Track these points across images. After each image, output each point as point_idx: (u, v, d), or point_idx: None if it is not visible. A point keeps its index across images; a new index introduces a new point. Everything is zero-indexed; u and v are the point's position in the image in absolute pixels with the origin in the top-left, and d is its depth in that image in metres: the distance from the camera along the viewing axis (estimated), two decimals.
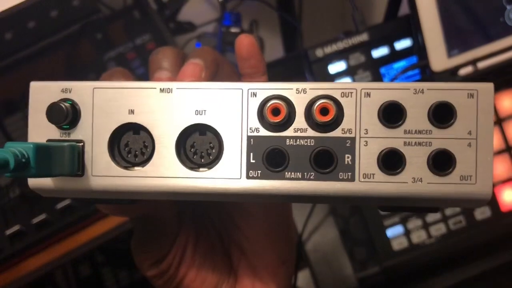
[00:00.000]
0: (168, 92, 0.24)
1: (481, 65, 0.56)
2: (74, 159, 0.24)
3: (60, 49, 0.60)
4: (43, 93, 0.25)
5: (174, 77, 0.28)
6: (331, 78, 0.63)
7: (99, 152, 0.24)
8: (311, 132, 0.23)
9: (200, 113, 0.24)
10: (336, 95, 0.23)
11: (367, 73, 0.63)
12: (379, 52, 0.63)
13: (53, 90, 0.25)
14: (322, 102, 0.23)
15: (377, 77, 0.63)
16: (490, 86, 0.23)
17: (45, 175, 0.23)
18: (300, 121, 0.24)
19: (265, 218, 0.33)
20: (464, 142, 0.23)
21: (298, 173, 0.23)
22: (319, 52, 0.63)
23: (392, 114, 0.23)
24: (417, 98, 0.23)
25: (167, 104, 0.24)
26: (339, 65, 0.64)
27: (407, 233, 0.60)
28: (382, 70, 0.64)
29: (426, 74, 0.58)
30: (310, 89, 0.24)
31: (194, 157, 0.25)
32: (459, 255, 0.61)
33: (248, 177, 0.24)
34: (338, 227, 0.64)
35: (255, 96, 0.24)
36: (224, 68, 0.30)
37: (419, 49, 0.58)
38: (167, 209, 0.32)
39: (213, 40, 0.71)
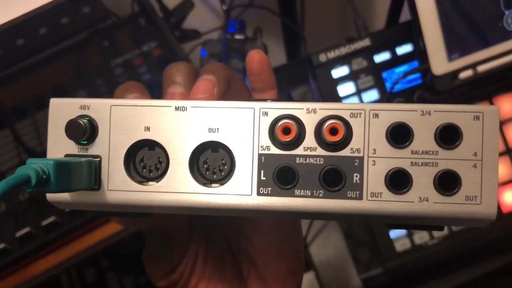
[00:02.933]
0: (183, 110, 0.25)
1: (481, 68, 0.57)
2: (91, 174, 0.25)
3: (69, 55, 0.61)
4: (62, 109, 0.25)
5: (187, 92, 0.29)
6: (334, 82, 0.64)
7: (115, 167, 0.25)
8: (320, 151, 0.24)
9: (213, 130, 0.25)
10: (345, 115, 0.24)
11: (369, 78, 0.65)
12: (381, 57, 0.64)
13: (72, 107, 0.25)
14: (332, 123, 0.24)
15: (379, 81, 0.64)
16: (495, 109, 0.23)
17: (65, 191, 0.23)
18: (310, 140, 0.24)
19: (274, 230, 0.34)
20: (470, 163, 0.23)
21: (307, 191, 0.24)
22: (323, 57, 0.64)
23: (399, 134, 0.24)
24: (424, 119, 0.24)
25: (181, 121, 0.25)
26: (342, 69, 0.65)
27: (409, 234, 0.61)
28: (384, 74, 0.65)
29: (427, 78, 0.59)
30: (320, 109, 0.24)
31: (207, 173, 0.25)
32: (461, 256, 0.62)
33: (258, 193, 0.24)
34: (341, 229, 0.65)
35: (267, 115, 0.25)
36: (235, 83, 0.30)
37: (420, 54, 0.60)
38: (178, 221, 0.32)
39: (218, 47, 0.72)
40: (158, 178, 0.25)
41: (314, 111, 0.24)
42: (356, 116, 0.24)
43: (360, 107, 0.24)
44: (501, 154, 0.60)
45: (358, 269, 0.63)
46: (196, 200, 0.25)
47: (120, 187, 0.25)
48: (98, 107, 0.25)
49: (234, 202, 0.25)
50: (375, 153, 0.24)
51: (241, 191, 0.24)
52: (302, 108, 0.24)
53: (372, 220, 0.25)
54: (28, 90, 0.59)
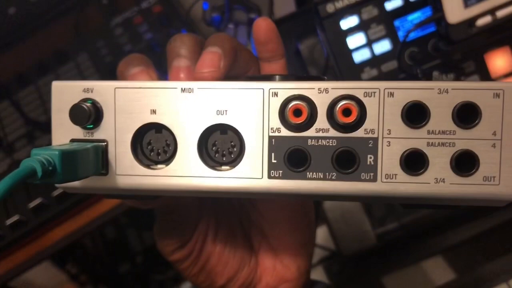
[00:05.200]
0: (189, 92, 0.24)
1: (501, 13, 0.53)
2: (98, 159, 0.24)
3: (67, 18, 0.59)
4: (65, 93, 0.25)
5: (193, 65, 0.28)
6: (344, 34, 0.62)
7: (122, 151, 0.25)
8: (333, 132, 0.23)
9: (222, 113, 0.24)
10: (359, 95, 0.23)
11: (380, 27, 0.62)
12: (393, 4, 0.61)
13: (75, 90, 0.25)
14: (345, 103, 0.23)
15: (391, 31, 0.61)
16: None
17: (72, 180, 0.23)
18: (322, 121, 0.23)
19: (286, 203, 0.33)
20: (489, 143, 0.22)
21: (319, 173, 0.23)
22: (330, 7, 0.61)
23: (415, 114, 0.23)
24: (441, 98, 0.23)
25: (188, 104, 0.24)
26: (351, 20, 0.62)
27: None
28: (396, 23, 0.62)
29: (442, 26, 0.57)
30: (332, 88, 0.23)
31: (216, 155, 0.25)
32: (477, 208, 0.62)
33: (269, 177, 0.24)
34: None
35: (276, 96, 0.24)
36: (242, 54, 0.29)
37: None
38: (188, 198, 0.32)
39: None
40: (167, 161, 0.25)
41: (326, 90, 0.23)
42: (370, 95, 0.23)
43: (374, 85, 0.23)
44: None
45: (372, 223, 0.62)
46: (205, 184, 0.24)
47: (128, 171, 0.25)
48: (101, 90, 0.24)
49: (245, 186, 0.24)
50: (390, 133, 0.23)
51: (251, 174, 0.24)
52: (314, 88, 0.23)
53: (387, 201, 0.25)
54: (28, 57, 0.58)
